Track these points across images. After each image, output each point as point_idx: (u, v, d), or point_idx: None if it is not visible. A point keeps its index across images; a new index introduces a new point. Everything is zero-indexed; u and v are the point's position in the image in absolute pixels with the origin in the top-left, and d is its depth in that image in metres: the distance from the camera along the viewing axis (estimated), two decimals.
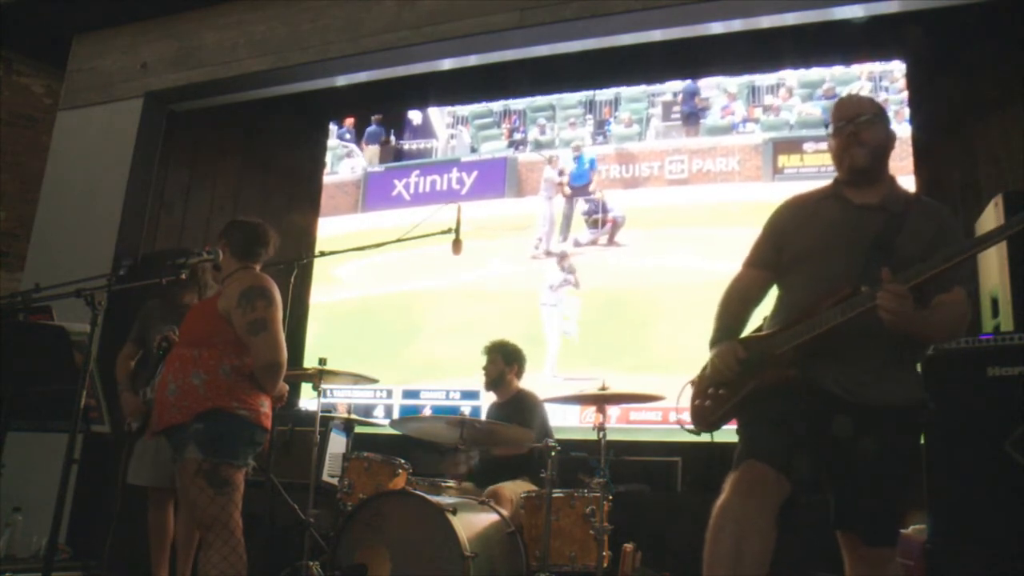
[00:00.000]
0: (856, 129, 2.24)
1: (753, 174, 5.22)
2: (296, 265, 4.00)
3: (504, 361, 4.36)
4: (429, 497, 3.44)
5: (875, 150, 2.24)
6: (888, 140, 2.28)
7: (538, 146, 5.87)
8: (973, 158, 4.72)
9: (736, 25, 4.54)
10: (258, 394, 2.87)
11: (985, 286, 3.44)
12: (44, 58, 6.43)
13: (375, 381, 4.31)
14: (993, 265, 3.33)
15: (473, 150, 6.09)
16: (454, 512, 3.36)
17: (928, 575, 2.81)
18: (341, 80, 5.54)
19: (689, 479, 4.42)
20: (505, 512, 3.69)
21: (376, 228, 6.06)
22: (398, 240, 4.08)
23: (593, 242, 5.54)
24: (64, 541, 4.42)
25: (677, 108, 5.54)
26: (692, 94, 5.53)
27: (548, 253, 5.64)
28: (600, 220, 5.52)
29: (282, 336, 2.91)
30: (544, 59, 5.03)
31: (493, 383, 4.39)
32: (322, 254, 4.52)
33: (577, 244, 5.59)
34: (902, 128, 4.81)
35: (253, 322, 2.84)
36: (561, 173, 5.71)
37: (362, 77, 5.46)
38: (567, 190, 5.66)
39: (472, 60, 5.14)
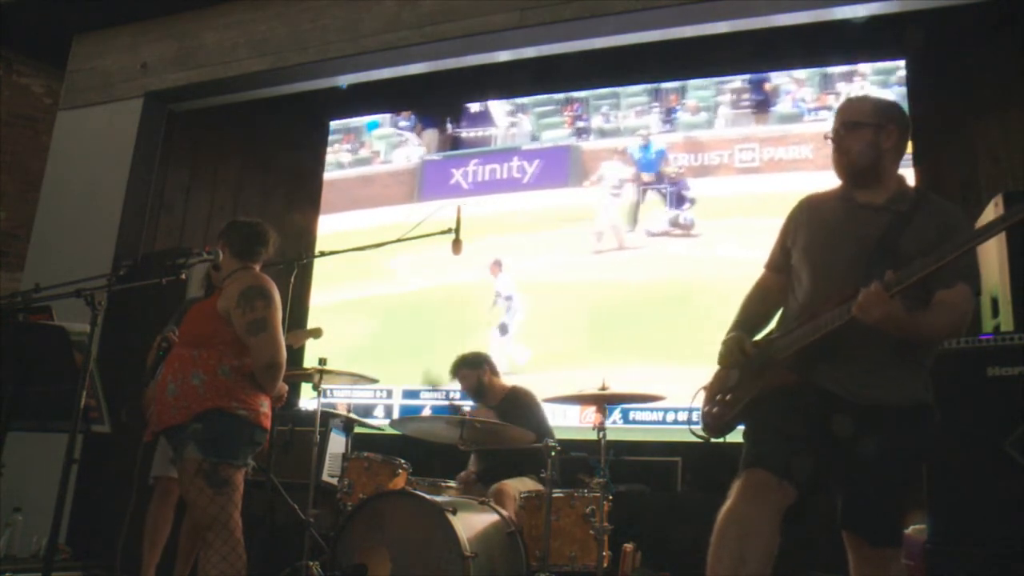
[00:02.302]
0: (840, 136, 2.26)
1: (827, 163, 5.04)
2: (296, 265, 4.00)
3: (471, 369, 4.35)
4: (429, 497, 3.44)
5: (859, 157, 2.23)
6: (881, 142, 2.24)
7: (602, 134, 5.72)
8: (973, 158, 4.72)
9: (734, 25, 4.54)
10: (257, 394, 2.87)
11: (985, 286, 3.43)
12: (44, 58, 6.43)
13: (375, 381, 4.31)
14: (993, 265, 3.33)
15: (534, 138, 5.95)
16: (454, 512, 3.36)
17: (928, 575, 2.81)
18: (341, 80, 5.54)
19: (689, 479, 4.42)
20: (509, 510, 3.69)
21: (434, 219, 5.91)
22: (398, 240, 4.08)
23: (667, 232, 5.35)
24: (64, 541, 4.41)
25: (746, 96, 5.39)
26: (761, 82, 5.38)
27: (622, 247, 5.47)
28: (682, 198, 5.33)
29: (282, 336, 2.92)
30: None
31: (477, 394, 4.37)
32: (322, 254, 4.51)
33: (650, 234, 5.41)
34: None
35: (253, 322, 2.84)
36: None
37: (362, 77, 5.46)
38: (628, 173, 5.49)
39: (472, 60, 5.14)
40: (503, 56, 5.08)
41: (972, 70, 4.76)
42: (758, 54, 5.18)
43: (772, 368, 2.20)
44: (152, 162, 5.71)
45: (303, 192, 6.45)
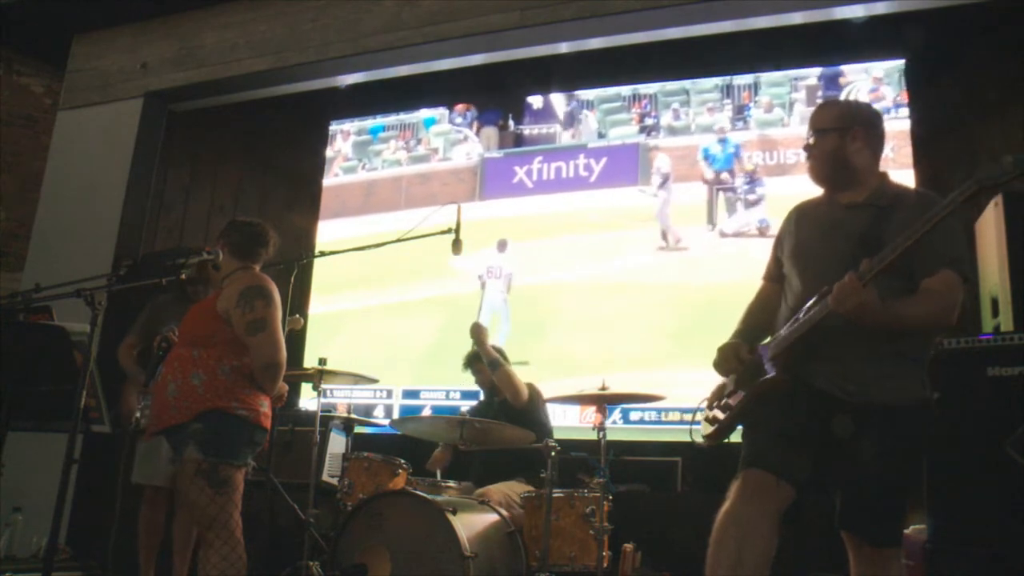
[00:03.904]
0: (809, 146, 2.33)
1: (907, 161, 4.79)
2: (296, 265, 4.00)
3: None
4: (429, 497, 3.44)
5: (826, 163, 2.29)
6: (846, 145, 2.27)
7: (672, 132, 5.55)
8: (973, 158, 4.71)
9: (734, 25, 4.54)
10: (257, 394, 2.87)
11: (985, 286, 3.44)
12: (44, 58, 6.44)
13: (375, 381, 4.31)
14: (993, 265, 3.33)
15: (600, 135, 5.78)
16: (454, 512, 3.35)
17: (928, 575, 2.81)
18: (341, 80, 5.54)
19: (689, 479, 4.42)
20: (503, 513, 3.69)
21: (497, 217, 5.76)
22: (398, 240, 4.08)
23: (741, 233, 5.18)
24: (64, 541, 4.41)
25: (820, 93, 5.24)
26: (835, 77, 5.23)
27: (677, 247, 5.32)
28: (756, 200, 5.20)
29: (281, 336, 2.91)
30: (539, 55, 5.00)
31: (492, 389, 4.39)
32: (322, 254, 4.51)
33: (723, 235, 5.24)
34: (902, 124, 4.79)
35: (252, 322, 2.84)
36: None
37: (362, 77, 5.46)
38: (708, 174, 5.33)
39: (472, 60, 5.14)
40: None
41: (972, 70, 4.76)
42: (757, 54, 5.18)
43: (764, 369, 2.21)
44: (152, 162, 5.70)
45: (303, 193, 6.45)
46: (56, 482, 2.77)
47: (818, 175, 2.34)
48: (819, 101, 5.14)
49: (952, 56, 4.79)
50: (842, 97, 5.06)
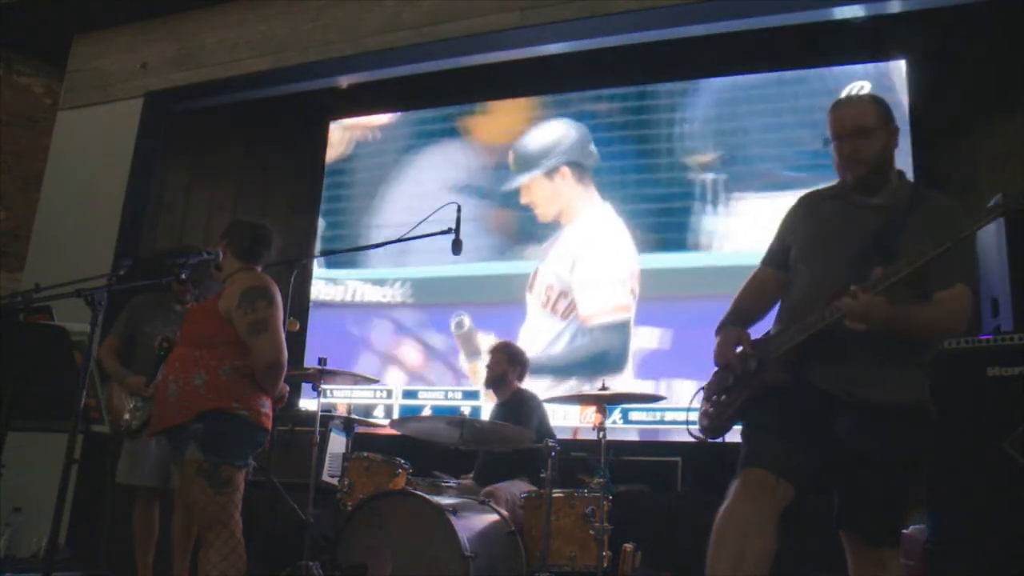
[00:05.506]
0: (854, 148, 2.20)
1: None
2: (296, 265, 3.99)
3: (508, 361, 4.38)
4: (429, 497, 3.44)
5: (877, 163, 2.20)
6: (890, 144, 2.23)
7: None
8: (973, 158, 4.71)
9: (734, 25, 4.54)
10: (258, 394, 2.87)
11: (985, 286, 3.43)
12: (44, 58, 6.43)
13: (375, 381, 4.31)
14: (993, 265, 3.33)
15: None
16: (454, 512, 3.36)
17: (928, 575, 2.81)
18: (341, 80, 5.54)
19: (689, 479, 4.41)
20: (503, 513, 3.70)
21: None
22: (399, 239, 4.07)
23: None
24: (64, 541, 4.41)
25: None
26: None
27: None
28: None
29: (283, 337, 2.91)
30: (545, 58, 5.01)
31: (494, 381, 4.40)
32: (322, 254, 4.52)
33: None
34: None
35: (254, 323, 2.84)
36: None
37: (362, 77, 5.46)
38: None
39: (472, 60, 5.14)
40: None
41: (972, 70, 4.76)
42: (757, 54, 5.17)
43: (766, 367, 2.20)
44: (152, 162, 5.70)
45: (303, 192, 6.44)
46: (56, 482, 2.76)
47: (860, 178, 2.21)
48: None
49: (952, 56, 4.79)
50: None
